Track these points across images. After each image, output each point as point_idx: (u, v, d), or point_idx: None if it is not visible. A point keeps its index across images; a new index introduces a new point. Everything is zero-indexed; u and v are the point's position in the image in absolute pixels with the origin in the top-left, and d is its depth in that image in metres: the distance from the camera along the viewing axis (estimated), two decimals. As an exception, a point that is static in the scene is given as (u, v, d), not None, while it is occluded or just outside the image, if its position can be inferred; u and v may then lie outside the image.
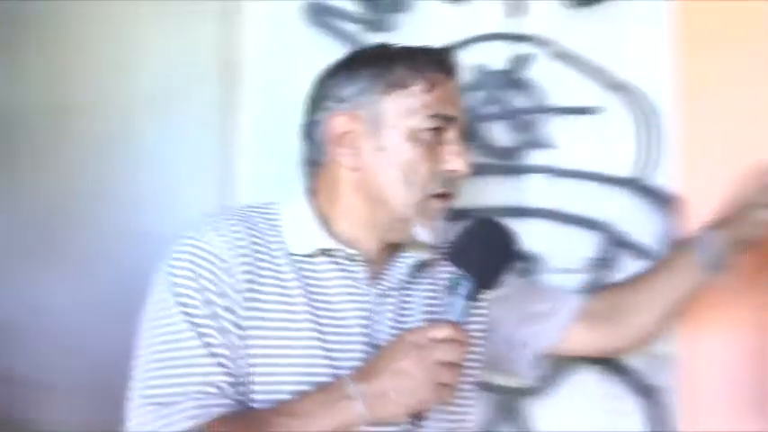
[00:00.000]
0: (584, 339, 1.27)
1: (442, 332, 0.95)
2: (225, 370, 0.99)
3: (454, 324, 0.97)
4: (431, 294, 1.14)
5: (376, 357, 0.98)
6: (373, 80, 1.07)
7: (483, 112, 1.48)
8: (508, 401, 1.41)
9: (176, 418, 0.95)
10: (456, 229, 1.07)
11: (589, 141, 1.45)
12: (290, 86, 1.48)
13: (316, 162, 1.13)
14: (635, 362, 1.39)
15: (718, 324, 1.36)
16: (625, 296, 1.27)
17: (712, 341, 1.37)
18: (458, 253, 1.02)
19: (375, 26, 1.51)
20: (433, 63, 1.08)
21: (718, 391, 1.37)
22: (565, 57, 1.47)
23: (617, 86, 1.45)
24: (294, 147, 1.31)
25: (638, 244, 1.42)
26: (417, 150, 1.05)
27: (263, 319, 1.02)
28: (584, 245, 1.43)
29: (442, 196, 1.08)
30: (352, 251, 1.07)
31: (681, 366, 1.38)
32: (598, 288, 1.38)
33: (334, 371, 1.01)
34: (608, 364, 1.39)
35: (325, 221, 1.09)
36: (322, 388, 0.98)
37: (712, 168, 1.39)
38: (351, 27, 1.51)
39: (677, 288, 1.22)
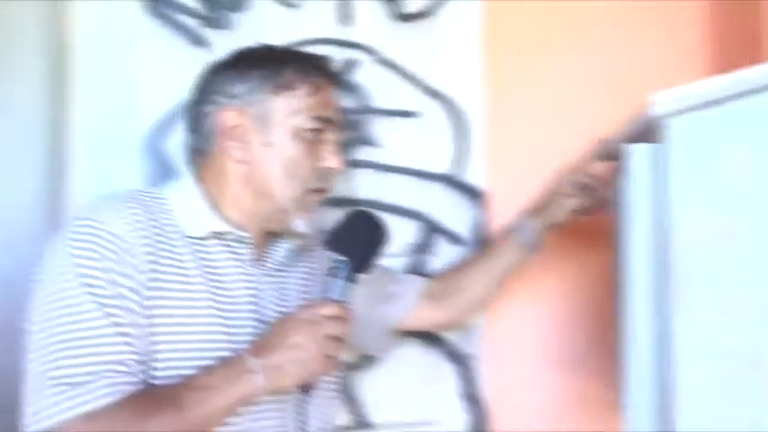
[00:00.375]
0: (428, 315, 1.44)
1: (329, 309, 1.05)
2: (132, 348, 1.01)
3: (338, 302, 1.07)
4: (307, 276, 1.25)
5: (270, 333, 1.06)
6: (263, 80, 1.13)
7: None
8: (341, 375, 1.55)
9: (89, 397, 0.97)
10: (325, 217, 1.18)
11: (409, 141, 1.62)
12: (125, 76, 1.49)
13: (202, 151, 1.17)
14: (450, 334, 1.60)
15: (525, 296, 1.61)
16: (461, 276, 1.46)
17: (519, 311, 1.62)
18: (337, 240, 1.13)
19: (213, 23, 1.56)
20: (317, 69, 1.17)
21: (524, 354, 1.62)
22: (388, 64, 1.63)
23: (433, 93, 1.63)
24: (128, 139, 1.40)
25: (451, 231, 1.62)
26: (300, 148, 1.13)
27: (165, 298, 1.05)
28: (405, 232, 1.59)
29: (319, 191, 1.17)
30: (243, 233, 1.14)
31: (486, 335, 1.61)
32: (419, 270, 1.57)
33: (232, 346, 1.07)
34: (427, 337, 1.58)
35: (215, 206, 1.14)
36: (223, 363, 1.04)
37: (515, 167, 1.63)
38: (190, 21, 1.55)
39: (502, 267, 1.42)
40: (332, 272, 1.10)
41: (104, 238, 1.03)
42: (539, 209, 1.42)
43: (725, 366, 1.01)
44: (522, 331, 1.63)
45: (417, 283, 1.46)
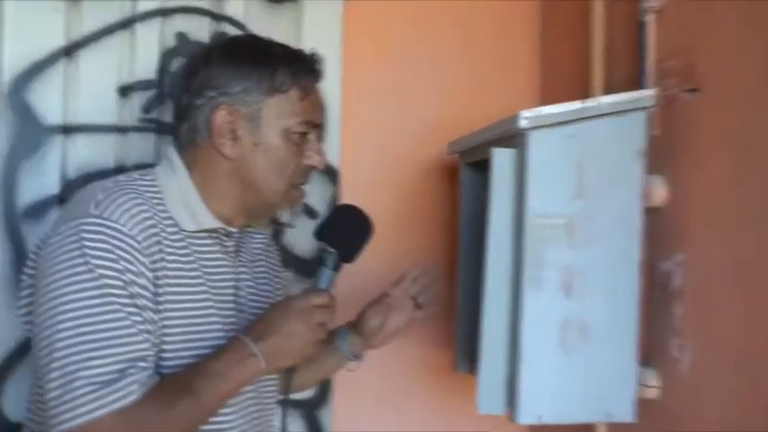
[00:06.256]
0: None
1: (321, 299, 1.15)
2: (151, 344, 1.07)
3: (327, 292, 1.18)
4: (273, 265, 1.38)
5: (266, 320, 1.14)
6: (259, 82, 1.16)
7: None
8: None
9: (118, 395, 1.01)
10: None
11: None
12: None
13: (191, 141, 1.19)
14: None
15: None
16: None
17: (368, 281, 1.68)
18: (326, 232, 1.22)
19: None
20: (307, 70, 1.20)
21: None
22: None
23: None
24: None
25: (308, 205, 1.73)
26: (288, 148, 1.18)
27: (170, 293, 1.11)
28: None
29: (301, 185, 1.24)
30: (231, 229, 1.21)
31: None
32: (277, 241, 1.67)
33: (225, 334, 1.17)
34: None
35: (205, 200, 1.17)
36: (226, 349, 1.11)
37: (365, 149, 1.79)
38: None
39: (327, 369, 1.48)
40: (319, 262, 1.20)
41: (118, 239, 1.05)
42: (354, 324, 1.44)
43: (561, 333, 1.27)
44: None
45: None
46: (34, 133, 1.56)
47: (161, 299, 1.10)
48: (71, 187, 1.54)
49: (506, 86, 1.88)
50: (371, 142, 1.81)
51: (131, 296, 1.05)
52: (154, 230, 1.10)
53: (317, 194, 1.73)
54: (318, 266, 1.21)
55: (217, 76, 1.16)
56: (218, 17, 1.66)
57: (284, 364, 1.16)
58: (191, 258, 1.15)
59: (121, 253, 1.05)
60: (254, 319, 1.17)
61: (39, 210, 1.54)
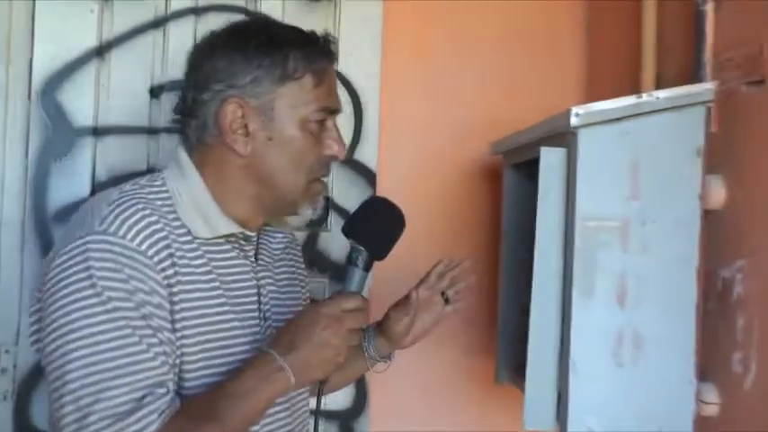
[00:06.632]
0: None
1: (352, 303, 1.04)
2: (169, 367, 0.98)
3: (359, 294, 1.07)
4: (294, 266, 1.25)
5: (292, 329, 1.03)
6: (268, 71, 1.04)
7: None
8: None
9: (139, 426, 0.93)
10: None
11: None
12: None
13: (200, 140, 1.08)
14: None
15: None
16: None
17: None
18: (355, 228, 1.10)
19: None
20: (320, 53, 1.09)
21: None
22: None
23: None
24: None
25: (345, 209, 1.68)
26: (306, 139, 1.07)
27: (186, 309, 1.02)
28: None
29: (323, 177, 1.13)
30: (250, 233, 1.11)
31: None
32: (313, 242, 1.63)
33: (246, 343, 1.07)
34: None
35: (219, 202, 1.07)
36: (252, 364, 1.01)
37: (404, 151, 1.73)
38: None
39: (355, 371, 1.36)
40: (349, 261, 1.09)
41: (126, 256, 0.96)
42: (380, 325, 1.34)
43: (614, 344, 1.20)
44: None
45: None
46: (65, 135, 1.54)
47: (177, 316, 1.01)
48: (102, 189, 1.50)
49: (550, 84, 1.80)
50: (410, 143, 1.75)
51: (144, 317, 0.97)
52: (165, 242, 1.01)
53: (354, 198, 1.68)
54: (348, 266, 1.10)
55: (223, 68, 1.05)
56: (252, 15, 1.62)
57: (315, 377, 1.05)
58: (207, 269, 1.06)
59: (131, 271, 0.96)
60: (280, 330, 1.07)
61: (69, 212, 1.51)
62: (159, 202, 1.04)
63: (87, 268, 0.95)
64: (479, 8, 1.78)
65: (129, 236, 0.98)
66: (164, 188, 1.07)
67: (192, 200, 1.06)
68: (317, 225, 1.65)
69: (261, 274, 1.15)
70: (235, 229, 1.09)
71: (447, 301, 1.32)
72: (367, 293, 1.24)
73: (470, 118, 1.76)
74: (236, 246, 1.11)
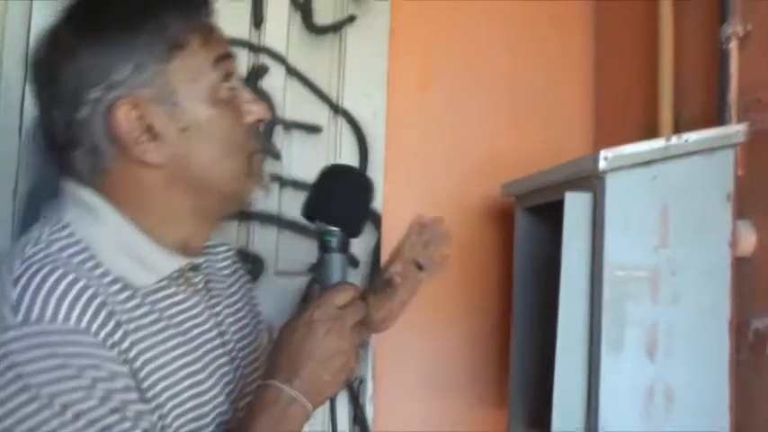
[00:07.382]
0: None
1: (344, 296, 0.89)
2: None
3: (346, 283, 0.91)
4: (243, 281, 1.09)
5: (290, 349, 0.86)
6: (149, 49, 0.83)
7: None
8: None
9: None
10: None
11: (312, 155, 1.60)
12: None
13: (97, 169, 0.86)
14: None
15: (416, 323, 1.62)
16: None
17: (410, 339, 1.64)
18: (319, 209, 0.95)
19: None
20: (195, 6, 0.89)
21: (412, 379, 1.65)
22: (296, 75, 1.60)
23: (338, 110, 1.62)
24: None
25: (354, 257, 1.60)
26: (224, 114, 0.88)
27: (150, 377, 0.83)
28: (305, 250, 1.56)
29: (258, 149, 0.95)
30: (198, 260, 0.94)
31: (377, 362, 1.62)
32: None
33: (223, 397, 0.91)
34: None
35: (150, 235, 0.87)
36: (259, 409, 0.84)
37: (411, 191, 1.66)
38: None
39: None
40: (322, 248, 0.94)
41: (67, 343, 0.75)
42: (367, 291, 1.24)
43: (644, 399, 1.13)
44: (412, 358, 1.67)
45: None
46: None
47: (144, 388, 0.81)
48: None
49: (558, 120, 1.76)
50: (417, 182, 1.69)
51: (116, 411, 0.76)
52: (106, 310, 0.78)
53: (359, 242, 1.60)
54: (323, 255, 0.93)
55: (91, 67, 0.82)
56: (256, 49, 1.56)
57: (332, 393, 0.89)
58: (160, 324, 0.85)
59: (79, 361, 0.75)
60: (273, 354, 0.89)
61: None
62: (78, 258, 0.82)
63: (17, 378, 0.73)
64: (485, 42, 1.74)
65: (61, 316, 0.75)
66: (75, 238, 0.83)
67: (118, 244, 0.85)
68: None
69: (217, 309, 0.97)
70: (181, 262, 0.90)
71: (420, 267, 1.24)
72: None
73: (479, 154, 1.71)
74: (183, 281, 0.92)
